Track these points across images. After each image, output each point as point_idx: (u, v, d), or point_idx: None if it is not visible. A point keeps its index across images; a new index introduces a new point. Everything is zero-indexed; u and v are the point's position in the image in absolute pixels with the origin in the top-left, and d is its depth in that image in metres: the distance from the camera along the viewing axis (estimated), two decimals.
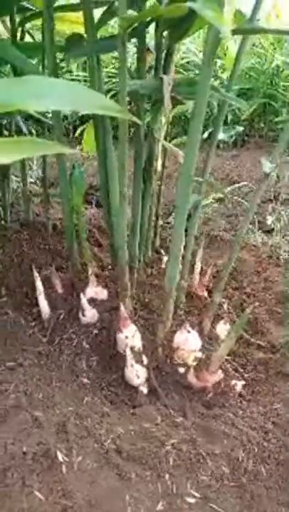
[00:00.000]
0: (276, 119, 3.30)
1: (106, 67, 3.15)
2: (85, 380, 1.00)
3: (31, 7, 1.25)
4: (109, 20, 0.93)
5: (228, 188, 2.22)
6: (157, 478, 0.78)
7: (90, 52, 0.89)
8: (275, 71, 3.31)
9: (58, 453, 0.71)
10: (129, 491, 0.74)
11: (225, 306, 1.26)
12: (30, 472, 0.68)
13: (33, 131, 2.25)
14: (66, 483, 0.69)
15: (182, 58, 3.08)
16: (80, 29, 1.22)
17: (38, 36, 2.05)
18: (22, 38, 1.34)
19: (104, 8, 1.01)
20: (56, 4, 1.07)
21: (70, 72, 3.25)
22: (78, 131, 2.99)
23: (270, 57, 3.29)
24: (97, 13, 1.01)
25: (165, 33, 1.00)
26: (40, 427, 0.76)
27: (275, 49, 3.34)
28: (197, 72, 3.32)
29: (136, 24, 0.78)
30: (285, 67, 3.22)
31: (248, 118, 3.34)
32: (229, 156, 3.08)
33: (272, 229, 1.94)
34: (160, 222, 1.56)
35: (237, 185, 2.27)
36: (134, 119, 0.57)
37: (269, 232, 1.94)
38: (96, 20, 0.98)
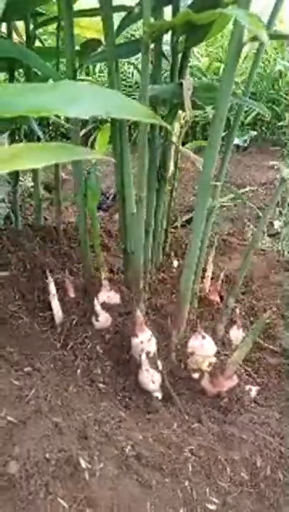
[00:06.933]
0: (279, 123, 3.31)
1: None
2: (101, 385, 0.99)
3: (44, 12, 1.26)
4: (129, 25, 0.93)
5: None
6: (177, 484, 0.78)
7: (111, 57, 0.89)
8: (278, 75, 3.33)
9: (81, 459, 0.71)
10: (150, 498, 0.73)
11: (237, 310, 1.26)
12: (54, 479, 0.68)
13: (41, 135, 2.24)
14: (89, 491, 0.68)
15: None
16: (92, 34, 1.22)
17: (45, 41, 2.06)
18: (33, 43, 1.34)
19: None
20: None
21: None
22: (82, 133, 3.00)
23: (273, 61, 3.31)
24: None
25: (180, 38, 1.00)
26: (61, 433, 0.75)
27: (277, 54, 3.35)
28: (200, 76, 3.33)
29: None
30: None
31: (251, 122, 3.35)
32: (232, 160, 3.09)
33: (279, 232, 1.95)
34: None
35: (243, 190, 2.27)
36: (164, 123, 0.57)
37: (276, 235, 1.94)
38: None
